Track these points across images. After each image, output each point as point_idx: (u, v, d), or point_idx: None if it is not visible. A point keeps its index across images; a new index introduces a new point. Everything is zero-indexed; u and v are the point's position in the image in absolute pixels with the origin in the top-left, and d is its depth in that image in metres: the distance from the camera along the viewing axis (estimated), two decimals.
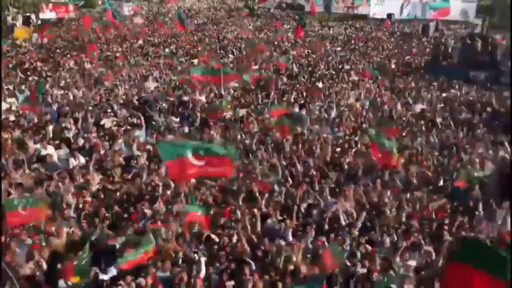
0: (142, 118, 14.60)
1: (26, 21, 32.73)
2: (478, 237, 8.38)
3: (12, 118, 14.30)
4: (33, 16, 33.62)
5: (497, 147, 12.92)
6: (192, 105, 16.30)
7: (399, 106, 17.24)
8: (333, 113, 16.06)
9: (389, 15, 42.11)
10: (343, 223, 9.28)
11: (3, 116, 14.12)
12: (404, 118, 16.02)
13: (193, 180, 10.06)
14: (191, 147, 8.91)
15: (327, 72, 22.36)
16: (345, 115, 15.78)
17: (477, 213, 9.50)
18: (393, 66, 24.82)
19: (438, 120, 15.68)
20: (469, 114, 16.32)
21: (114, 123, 14.52)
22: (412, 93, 18.95)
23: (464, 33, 31.46)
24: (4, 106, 14.99)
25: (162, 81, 19.13)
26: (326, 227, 9.24)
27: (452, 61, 22.49)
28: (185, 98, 16.65)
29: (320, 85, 20.07)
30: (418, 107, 17.28)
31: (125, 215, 9.47)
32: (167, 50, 26.80)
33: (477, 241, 7.58)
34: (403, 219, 9.45)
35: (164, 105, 16.56)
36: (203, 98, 17.29)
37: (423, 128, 14.94)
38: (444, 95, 18.72)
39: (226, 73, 17.48)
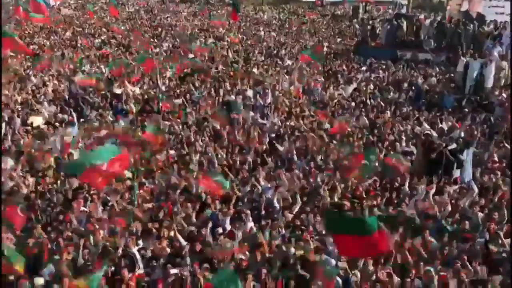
0: (74, 114, 14.16)
1: None
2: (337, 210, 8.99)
3: None
4: None
5: (421, 124, 13.71)
6: (126, 97, 15.98)
7: (331, 89, 17.81)
8: (269, 99, 16.32)
9: None
10: (278, 207, 9.58)
11: None
12: (336, 101, 16.59)
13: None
14: (94, 155, 9.22)
15: (262, 58, 22.55)
16: (280, 100, 16.10)
17: (402, 189, 10.11)
18: (325, 49, 25.41)
19: (368, 101, 16.39)
20: (396, 94, 17.15)
21: (44, 121, 13.98)
22: (343, 75, 19.56)
23: (392, 14, 32.67)
24: None
25: (93, 74, 18.50)
26: (263, 212, 9.53)
27: (380, 42, 23.36)
28: (118, 90, 16.27)
29: (255, 71, 20.24)
30: (350, 89, 17.94)
31: (61, 217, 9.27)
32: (97, 41, 25.88)
33: (337, 213, 8.31)
34: (336, 200, 9.89)
35: (96, 99, 16.13)
36: (137, 90, 16.99)
37: (354, 109, 15.59)
38: (373, 76, 19.47)
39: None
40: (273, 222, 9.17)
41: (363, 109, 15.47)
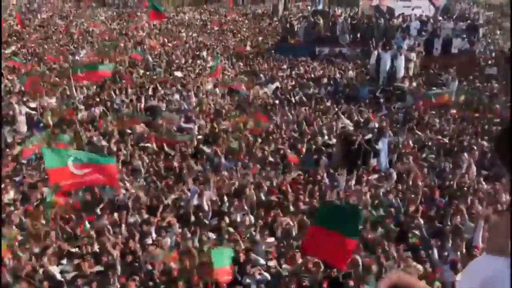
0: None
1: None
2: (334, 203, 9.35)
3: None
4: None
5: (339, 117, 14.30)
6: (41, 109, 15.23)
7: (256, 88, 18.07)
8: (193, 102, 16.27)
9: None
10: (207, 211, 9.61)
11: None
12: (260, 99, 16.89)
13: None
14: (73, 155, 9.04)
15: (184, 60, 22.40)
16: (205, 102, 16.10)
17: (323, 181, 10.51)
18: (248, 48, 25.73)
19: (292, 97, 16.83)
20: (316, 89, 17.75)
21: None
22: (266, 74, 19.92)
23: (310, 10, 33.67)
24: None
25: (3, 87, 17.42)
26: (192, 218, 9.51)
27: (299, 39, 24.02)
28: (33, 104, 15.46)
29: (179, 74, 20.06)
30: (273, 87, 18.31)
31: None
32: (7, 51, 24.36)
33: (333, 206, 8.62)
34: (263, 198, 10.09)
35: (10, 112, 15.22)
36: (53, 101, 16.24)
37: (278, 106, 15.96)
38: (293, 72, 20.00)
39: (77, 73, 16.60)
40: (203, 226, 9.20)
41: (286, 106, 15.87)
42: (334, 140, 12.83)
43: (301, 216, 9.12)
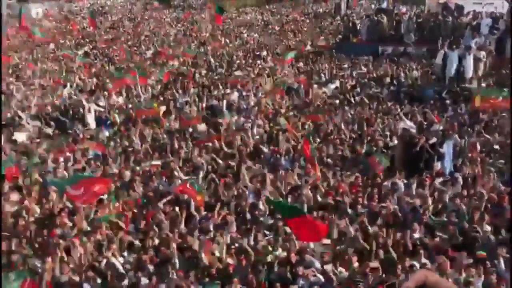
0: (56, 128, 14.20)
1: None
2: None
3: None
4: None
5: (401, 119, 13.85)
6: (109, 107, 16.01)
7: (315, 87, 17.93)
8: (252, 102, 16.42)
9: None
10: (263, 210, 9.67)
11: None
12: (320, 99, 16.74)
13: None
14: (67, 182, 9.41)
15: (244, 61, 22.64)
16: (263, 102, 16.19)
17: (384, 184, 10.23)
18: (308, 47, 25.58)
19: (352, 97, 16.54)
20: (378, 89, 17.31)
21: (27, 136, 13.97)
22: (325, 73, 19.70)
23: (373, 9, 32.89)
24: None
25: (75, 86, 18.50)
26: (248, 216, 9.62)
27: (361, 37, 23.51)
28: (101, 102, 16.28)
29: (238, 73, 20.33)
30: (332, 87, 18.09)
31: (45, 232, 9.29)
32: (80, 52, 25.82)
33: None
34: (319, 199, 10.00)
35: (80, 110, 16.13)
36: (120, 100, 17.01)
37: (337, 106, 15.75)
38: (355, 72, 19.62)
39: (141, 75, 17.44)
40: (258, 225, 9.27)
41: (346, 106, 15.63)
42: (395, 142, 12.49)
43: (360, 219, 8.95)
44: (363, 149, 11.93)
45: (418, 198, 9.53)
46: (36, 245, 8.84)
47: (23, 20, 27.48)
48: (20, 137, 13.95)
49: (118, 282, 7.71)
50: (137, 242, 8.66)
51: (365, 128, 13.40)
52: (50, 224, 9.32)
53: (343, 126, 13.76)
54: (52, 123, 15.01)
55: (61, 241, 8.50)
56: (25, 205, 10.02)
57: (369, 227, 8.70)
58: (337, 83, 18.25)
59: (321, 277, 7.64)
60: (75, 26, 33.97)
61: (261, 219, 9.55)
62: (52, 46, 27.99)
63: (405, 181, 9.97)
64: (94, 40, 29.46)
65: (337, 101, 16.49)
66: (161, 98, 17.09)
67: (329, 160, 11.79)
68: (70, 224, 9.24)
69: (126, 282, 7.74)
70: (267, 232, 9.01)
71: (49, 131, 14.67)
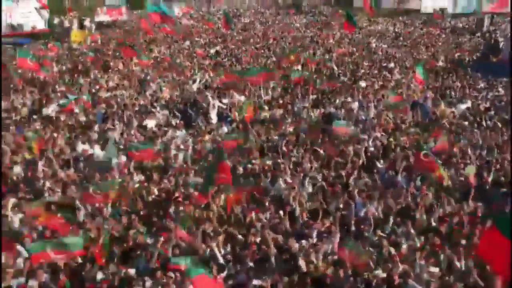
0: (182, 119, 15.21)
1: (82, 25, 34.50)
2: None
3: (63, 118, 15.22)
4: (87, 21, 35.30)
5: None
6: (231, 105, 16.69)
7: (442, 106, 16.80)
8: (372, 113, 15.90)
9: (442, 10, 40.71)
10: (370, 226, 9.30)
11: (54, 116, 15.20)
12: (447, 119, 15.62)
13: None
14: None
15: (369, 71, 22.06)
16: (383, 115, 15.58)
17: None
18: (440, 63, 24.08)
19: (483, 121, 15.17)
20: None
21: (156, 124, 15.15)
22: (457, 92, 18.36)
23: None
24: (55, 107, 15.95)
25: (204, 82, 19.65)
26: (353, 228, 9.33)
27: (503, 57, 21.49)
28: (225, 100, 17.05)
29: (363, 84, 19.85)
30: (463, 107, 16.78)
31: (161, 213, 10.01)
32: (212, 51, 27.38)
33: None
34: (433, 224, 9.34)
35: (204, 105, 17.05)
36: (242, 98, 17.62)
37: (466, 128, 14.56)
38: (490, 94, 17.99)
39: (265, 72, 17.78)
40: (363, 240, 8.93)
41: (476, 129, 14.38)
42: None
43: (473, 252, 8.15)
44: (490, 178, 10.86)
45: None
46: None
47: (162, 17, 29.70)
48: (150, 123, 15.20)
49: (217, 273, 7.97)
50: (240, 237, 8.87)
51: (495, 155, 12.19)
52: (167, 206, 10.02)
53: (469, 151, 12.69)
54: (178, 114, 16.09)
55: (172, 223, 9.06)
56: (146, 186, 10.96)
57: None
58: (469, 103, 16.88)
59: None
60: (212, 25, 36.13)
61: (366, 234, 9.20)
62: (187, 43, 30.12)
63: None
64: (225, 40, 31.04)
65: (466, 123, 15.25)
66: (280, 101, 17.37)
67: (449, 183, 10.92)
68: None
69: (225, 273, 7.98)
70: (371, 249, 8.62)
71: (175, 121, 15.73)
